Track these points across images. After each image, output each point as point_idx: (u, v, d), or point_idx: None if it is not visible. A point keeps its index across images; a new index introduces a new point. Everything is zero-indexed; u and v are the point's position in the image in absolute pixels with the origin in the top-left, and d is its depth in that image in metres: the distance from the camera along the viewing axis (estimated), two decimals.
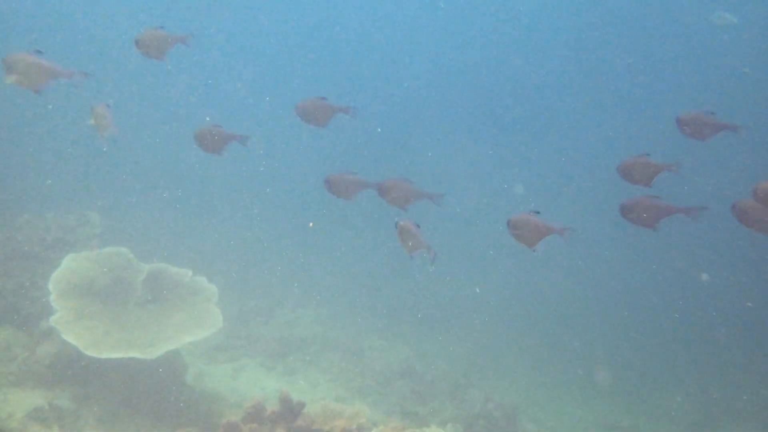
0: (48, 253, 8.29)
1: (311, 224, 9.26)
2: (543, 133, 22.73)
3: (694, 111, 4.52)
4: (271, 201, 13.83)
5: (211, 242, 10.89)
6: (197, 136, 4.80)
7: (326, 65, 26.05)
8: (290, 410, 4.97)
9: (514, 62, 24.52)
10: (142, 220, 10.71)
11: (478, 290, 11.94)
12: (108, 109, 5.12)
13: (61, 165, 11.61)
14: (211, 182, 13.81)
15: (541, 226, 3.90)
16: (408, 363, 9.16)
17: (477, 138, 21.66)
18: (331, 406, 5.26)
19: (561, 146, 21.90)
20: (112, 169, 12.16)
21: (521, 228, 3.92)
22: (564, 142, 22.11)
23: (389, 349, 9.51)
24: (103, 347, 6.24)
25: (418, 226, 4.16)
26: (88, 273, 6.87)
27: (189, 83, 20.01)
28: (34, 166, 11.06)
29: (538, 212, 3.96)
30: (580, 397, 9.27)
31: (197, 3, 22.86)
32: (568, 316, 11.63)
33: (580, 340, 10.75)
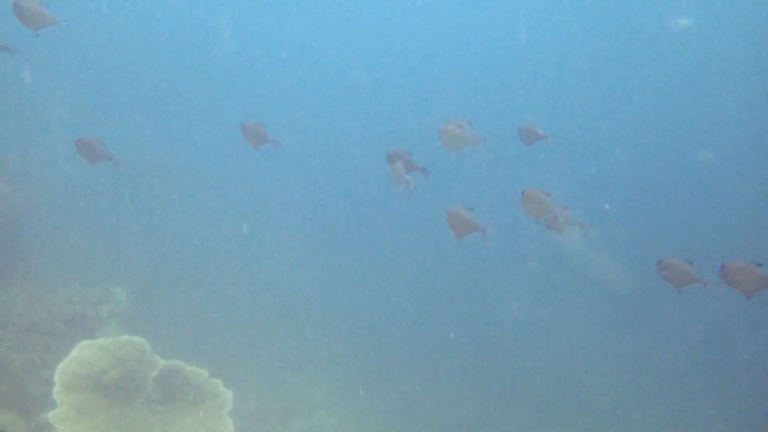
0: (65, 328, 7.92)
1: None
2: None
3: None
4: (299, 297, 12.95)
5: (236, 330, 10.37)
6: None
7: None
8: None
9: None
10: (171, 299, 10.31)
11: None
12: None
13: (92, 232, 11.41)
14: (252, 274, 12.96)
15: (467, 222, 4.66)
16: None
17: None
18: None
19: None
20: (148, 241, 11.91)
21: (452, 219, 4.66)
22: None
23: None
24: None
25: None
26: (99, 364, 6.40)
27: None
28: (61, 230, 10.88)
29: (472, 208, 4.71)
30: None
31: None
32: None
33: None
